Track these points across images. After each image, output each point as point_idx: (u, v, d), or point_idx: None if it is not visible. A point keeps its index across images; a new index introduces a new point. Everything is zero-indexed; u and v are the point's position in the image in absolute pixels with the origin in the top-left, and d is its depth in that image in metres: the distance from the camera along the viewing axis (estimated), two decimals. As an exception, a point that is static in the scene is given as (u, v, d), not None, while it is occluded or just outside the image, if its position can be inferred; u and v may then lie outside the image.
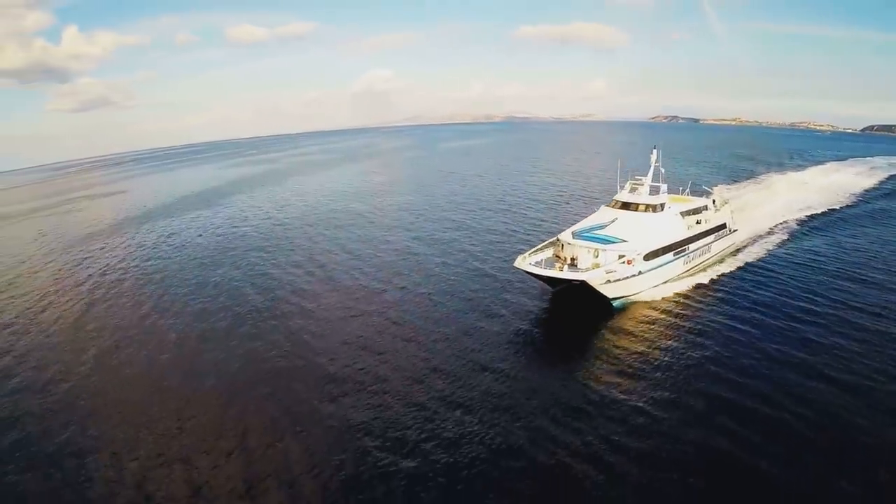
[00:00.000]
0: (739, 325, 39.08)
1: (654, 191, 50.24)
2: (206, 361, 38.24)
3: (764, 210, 73.84)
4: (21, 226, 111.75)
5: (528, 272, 42.70)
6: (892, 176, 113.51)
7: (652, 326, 40.08)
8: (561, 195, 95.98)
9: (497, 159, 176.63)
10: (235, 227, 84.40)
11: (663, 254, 46.43)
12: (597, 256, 43.97)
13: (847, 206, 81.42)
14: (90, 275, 62.79)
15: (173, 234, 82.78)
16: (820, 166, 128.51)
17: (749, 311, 41.56)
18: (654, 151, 51.38)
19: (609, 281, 41.91)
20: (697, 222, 52.45)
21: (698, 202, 55.91)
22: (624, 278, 42.72)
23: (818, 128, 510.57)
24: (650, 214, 48.22)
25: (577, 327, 41.89)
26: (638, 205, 48.86)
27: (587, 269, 42.66)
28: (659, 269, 45.87)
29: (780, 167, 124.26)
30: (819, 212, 74.95)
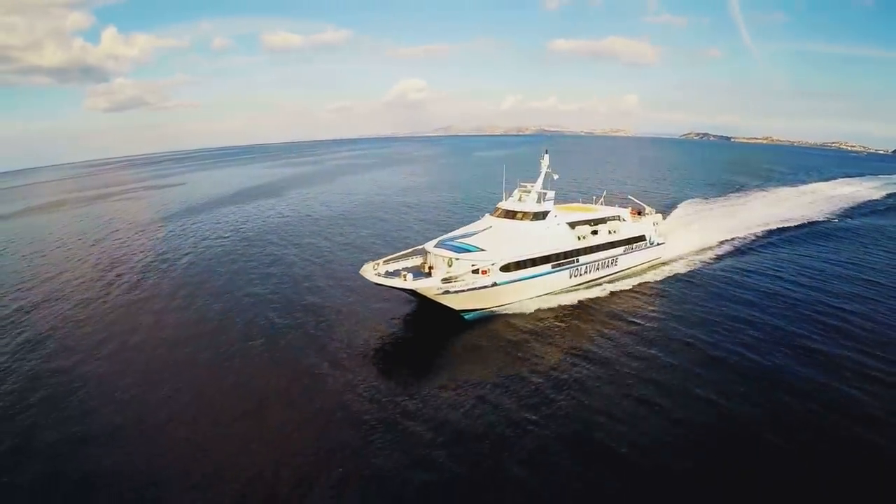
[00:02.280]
0: (599, 350, 34.31)
1: (542, 198, 45.51)
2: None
3: (727, 223, 68.91)
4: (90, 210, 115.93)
5: (373, 282, 38.63)
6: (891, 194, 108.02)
7: (498, 344, 35.77)
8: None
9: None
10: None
11: (535, 265, 41.86)
12: (450, 265, 39.80)
13: (822, 221, 76.45)
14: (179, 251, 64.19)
15: (239, 221, 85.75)
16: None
17: (624, 332, 37.12)
18: (545, 157, 46.70)
19: (448, 292, 37.56)
20: (594, 233, 47.62)
21: (603, 212, 51.13)
22: (471, 289, 38.30)
23: (851, 148, 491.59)
24: (528, 223, 43.62)
25: (419, 340, 37.83)
26: (517, 213, 44.40)
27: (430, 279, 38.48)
28: (527, 280, 41.27)
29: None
30: (773, 228, 69.48)
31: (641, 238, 52.45)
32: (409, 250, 43.37)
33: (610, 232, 49.28)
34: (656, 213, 57.90)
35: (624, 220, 51.93)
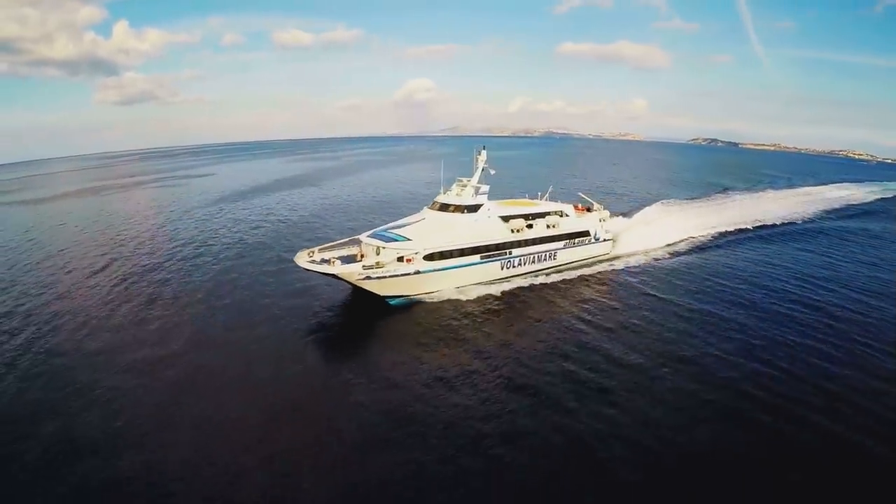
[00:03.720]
0: (517, 335, 36.30)
1: (477, 192, 47.11)
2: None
3: (694, 222, 69.37)
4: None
5: (303, 267, 40.43)
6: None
7: (419, 329, 37.41)
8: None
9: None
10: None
11: (462, 255, 43.50)
12: (378, 254, 41.64)
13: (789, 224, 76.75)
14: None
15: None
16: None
17: (548, 320, 38.98)
18: (482, 152, 48.36)
19: (369, 277, 39.35)
20: (530, 226, 48.94)
21: (543, 207, 52.37)
22: (393, 276, 40.07)
23: (858, 157, 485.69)
24: (460, 215, 45.28)
25: (344, 323, 39.58)
26: (450, 205, 46.06)
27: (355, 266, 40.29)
28: (452, 270, 42.92)
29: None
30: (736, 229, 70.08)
31: (585, 234, 53.72)
32: (347, 240, 45.25)
33: (549, 226, 50.52)
34: (605, 209, 58.88)
35: (567, 215, 53.12)
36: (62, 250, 63.48)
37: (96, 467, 22.55)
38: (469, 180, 47.57)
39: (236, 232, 70.73)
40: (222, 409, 27.15)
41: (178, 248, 61.68)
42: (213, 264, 54.07)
